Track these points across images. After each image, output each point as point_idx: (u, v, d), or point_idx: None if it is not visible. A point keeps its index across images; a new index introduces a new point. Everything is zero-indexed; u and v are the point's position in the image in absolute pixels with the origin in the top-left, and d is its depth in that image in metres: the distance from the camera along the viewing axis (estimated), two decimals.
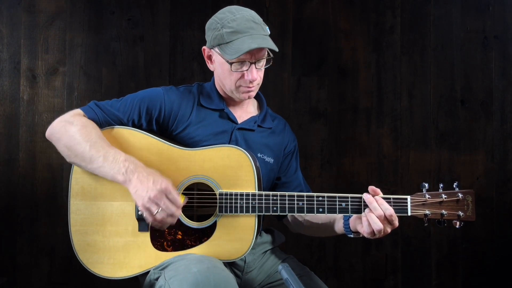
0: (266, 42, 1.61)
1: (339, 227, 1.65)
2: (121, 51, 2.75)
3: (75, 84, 2.73)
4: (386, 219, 1.50)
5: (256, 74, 1.65)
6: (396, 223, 1.51)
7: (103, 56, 2.74)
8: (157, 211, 1.48)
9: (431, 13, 2.84)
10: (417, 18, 2.84)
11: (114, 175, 1.52)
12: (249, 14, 1.65)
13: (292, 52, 2.80)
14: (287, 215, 1.82)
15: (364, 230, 1.52)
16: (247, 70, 1.63)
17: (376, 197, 1.52)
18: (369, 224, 1.49)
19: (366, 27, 2.83)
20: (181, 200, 1.52)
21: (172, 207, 1.48)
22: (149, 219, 1.50)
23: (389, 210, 1.49)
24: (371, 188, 1.54)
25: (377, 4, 2.83)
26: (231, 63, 1.62)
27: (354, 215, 1.57)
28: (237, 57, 1.58)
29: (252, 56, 1.61)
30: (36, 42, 2.72)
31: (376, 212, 1.49)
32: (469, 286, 2.81)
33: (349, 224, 1.60)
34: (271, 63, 1.70)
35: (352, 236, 1.61)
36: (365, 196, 1.53)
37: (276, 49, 1.62)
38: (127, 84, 2.72)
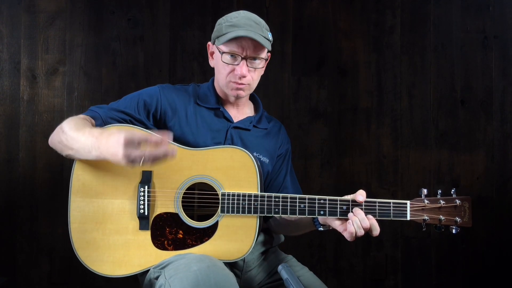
0: (258, 37, 1.62)
1: (307, 219, 1.66)
2: (121, 51, 2.75)
3: (75, 84, 2.73)
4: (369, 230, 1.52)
5: (246, 71, 1.65)
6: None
7: (103, 56, 2.74)
8: (142, 160, 1.39)
9: (431, 13, 2.84)
10: (417, 18, 2.84)
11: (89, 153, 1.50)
12: (254, 16, 1.69)
13: (292, 52, 2.80)
14: (272, 216, 1.82)
15: (347, 232, 1.52)
16: (237, 64, 1.64)
17: (369, 215, 1.52)
18: (352, 231, 1.50)
19: (366, 27, 2.83)
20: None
21: (150, 154, 1.39)
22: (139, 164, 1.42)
23: (376, 231, 1.51)
24: (359, 193, 1.55)
25: (377, 4, 2.84)
26: (222, 53, 1.65)
27: None
28: (224, 43, 1.62)
29: (244, 50, 1.63)
30: (36, 42, 2.72)
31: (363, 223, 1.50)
32: (469, 286, 2.82)
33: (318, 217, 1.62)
34: (264, 66, 1.71)
35: (321, 229, 1.63)
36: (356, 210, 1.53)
37: (269, 48, 1.64)
38: (127, 84, 2.72)
